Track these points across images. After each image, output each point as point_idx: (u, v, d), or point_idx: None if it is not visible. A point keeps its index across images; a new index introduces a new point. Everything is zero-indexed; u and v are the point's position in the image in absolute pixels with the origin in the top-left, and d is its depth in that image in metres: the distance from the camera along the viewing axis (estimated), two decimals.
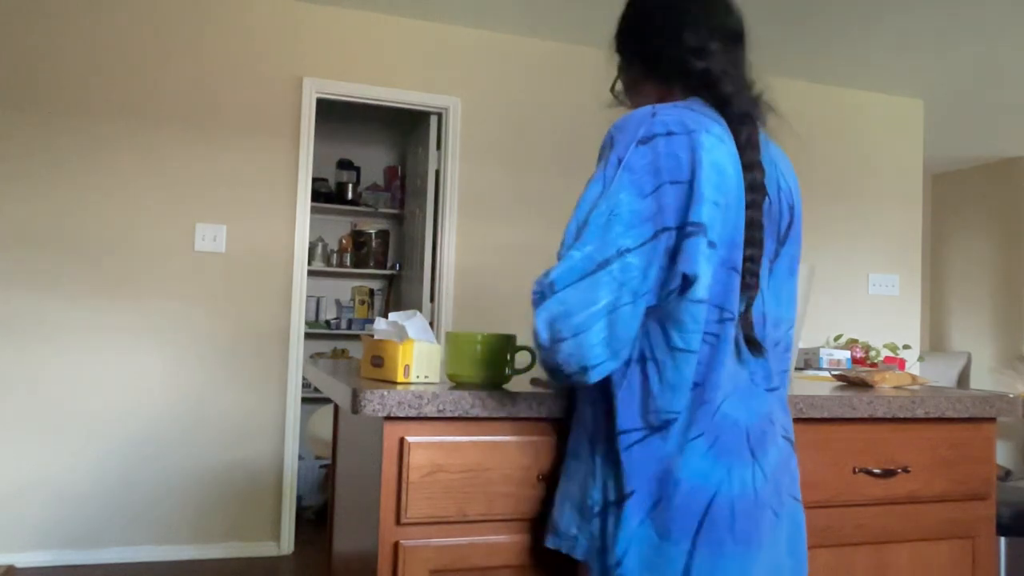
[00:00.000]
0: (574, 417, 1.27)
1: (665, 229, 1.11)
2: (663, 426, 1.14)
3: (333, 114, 4.72)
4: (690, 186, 1.12)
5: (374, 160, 5.35)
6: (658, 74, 1.31)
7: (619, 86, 1.38)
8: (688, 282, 1.12)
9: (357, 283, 5.26)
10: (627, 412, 1.15)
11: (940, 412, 1.58)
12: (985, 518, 1.64)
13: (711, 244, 1.12)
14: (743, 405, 1.18)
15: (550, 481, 1.33)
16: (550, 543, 1.26)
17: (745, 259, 1.16)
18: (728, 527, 1.12)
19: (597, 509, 1.17)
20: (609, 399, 1.17)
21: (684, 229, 1.12)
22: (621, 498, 1.14)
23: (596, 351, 1.09)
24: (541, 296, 1.10)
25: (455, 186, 4.08)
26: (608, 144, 1.17)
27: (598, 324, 1.08)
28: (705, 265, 1.11)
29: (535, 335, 1.11)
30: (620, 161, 1.13)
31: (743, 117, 1.22)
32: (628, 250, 1.10)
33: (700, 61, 1.25)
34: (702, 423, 1.14)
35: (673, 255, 1.12)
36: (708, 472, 1.13)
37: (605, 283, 1.08)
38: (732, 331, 1.16)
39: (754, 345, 1.18)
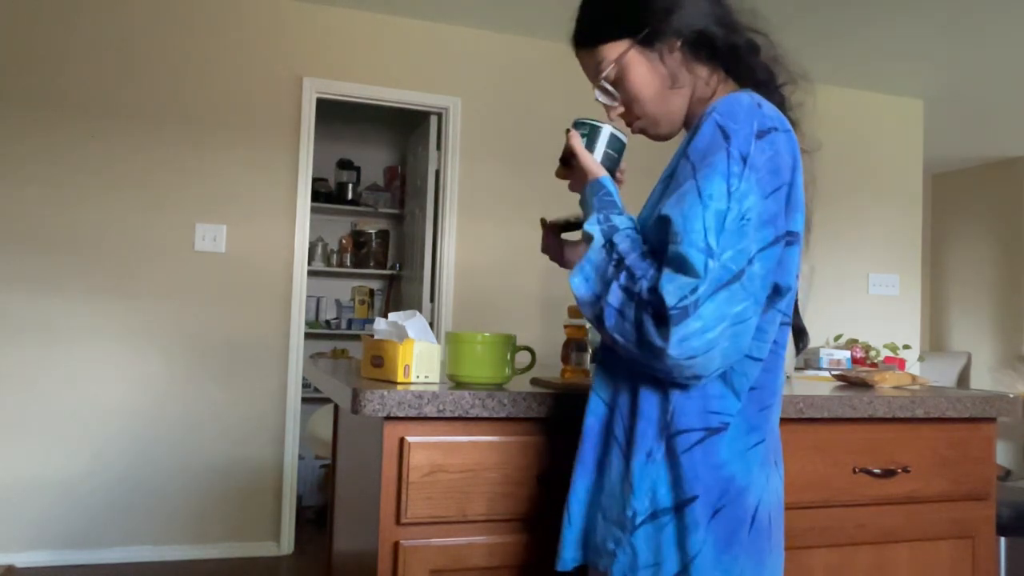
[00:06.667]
0: (591, 425, 1.16)
1: (781, 235, 1.06)
2: (721, 428, 1.08)
3: (333, 114, 4.72)
4: (789, 189, 1.08)
5: (374, 160, 5.35)
6: (718, 59, 1.18)
7: (638, 87, 1.18)
8: (778, 292, 1.10)
9: (357, 283, 5.25)
10: (685, 412, 1.08)
11: (940, 412, 1.58)
12: (985, 518, 1.64)
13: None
14: (779, 409, 1.17)
15: (550, 482, 1.33)
16: (571, 561, 1.15)
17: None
18: (767, 536, 1.10)
19: (640, 519, 1.07)
20: (659, 398, 1.09)
21: (784, 236, 1.08)
22: (681, 503, 1.06)
23: (715, 363, 1.02)
24: (684, 313, 0.98)
25: (455, 186, 4.08)
26: (721, 135, 1.04)
27: (724, 337, 1.00)
28: (795, 276, 1.11)
29: (650, 344, 1.00)
30: (744, 158, 1.02)
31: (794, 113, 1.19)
32: (753, 258, 1.02)
33: (753, 54, 1.19)
34: (763, 430, 1.11)
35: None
36: (758, 480, 1.10)
37: (739, 295, 1.00)
38: (788, 335, 1.15)
39: (802, 336, 1.17)
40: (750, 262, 1.01)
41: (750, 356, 1.10)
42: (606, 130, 1.20)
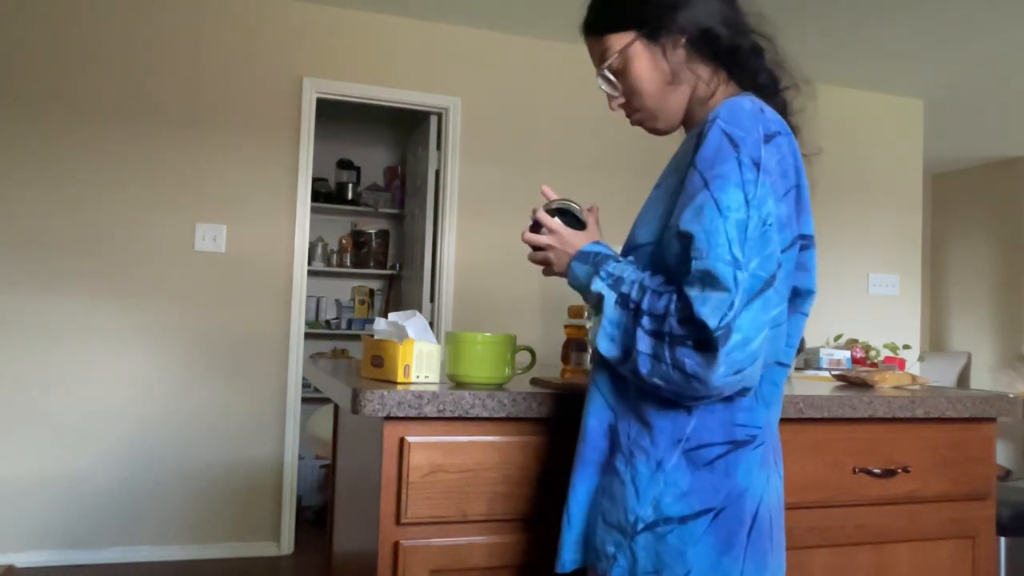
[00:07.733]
0: (594, 427, 1.15)
1: (796, 238, 1.07)
2: (747, 442, 1.08)
3: (333, 114, 4.72)
4: (798, 192, 1.09)
5: (374, 160, 5.35)
6: (721, 60, 1.17)
7: (638, 79, 1.18)
8: (801, 296, 1.12)
9: (357, 283, 5.25)
10: (708, 426, 1.07)
11: (940, 412, 1.58)
12: (985, 518, 1.64)
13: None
14: (780, 410, 1.18)
15: (551, 482, 1.33)
16: (570, 563, 1.14)
17: None
18: (768, 536, 1.10)
19: (642, 526, 1.06)
20: (675, 409, 1.07)
21: (798, 239, 1.09)
22: (689, 516, 1.05)
23: (759, 372, 1.02)
24: (728, 331, 0.96)
25: (455, 186, 4.08)
26: (729, 143, 1.03)
27: (765, 343, 1.00)
28: (815, 279, 1.12)
29: (695, 376, 0.98)
30: (756, 163, 1.02)
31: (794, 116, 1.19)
32: (781, 261, 1.03)
33: (756, 57, 1.18)
34: (765, 432, 1.11)
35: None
36: (759, 481, 1.09)
37: (773, 301, 1.01)
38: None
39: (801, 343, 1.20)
40: (780, 266, 1.02)
41: (779, 362, 1.11)
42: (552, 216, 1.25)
